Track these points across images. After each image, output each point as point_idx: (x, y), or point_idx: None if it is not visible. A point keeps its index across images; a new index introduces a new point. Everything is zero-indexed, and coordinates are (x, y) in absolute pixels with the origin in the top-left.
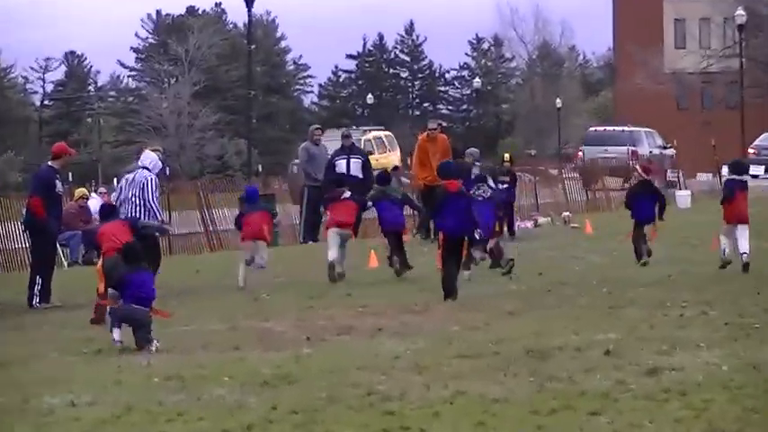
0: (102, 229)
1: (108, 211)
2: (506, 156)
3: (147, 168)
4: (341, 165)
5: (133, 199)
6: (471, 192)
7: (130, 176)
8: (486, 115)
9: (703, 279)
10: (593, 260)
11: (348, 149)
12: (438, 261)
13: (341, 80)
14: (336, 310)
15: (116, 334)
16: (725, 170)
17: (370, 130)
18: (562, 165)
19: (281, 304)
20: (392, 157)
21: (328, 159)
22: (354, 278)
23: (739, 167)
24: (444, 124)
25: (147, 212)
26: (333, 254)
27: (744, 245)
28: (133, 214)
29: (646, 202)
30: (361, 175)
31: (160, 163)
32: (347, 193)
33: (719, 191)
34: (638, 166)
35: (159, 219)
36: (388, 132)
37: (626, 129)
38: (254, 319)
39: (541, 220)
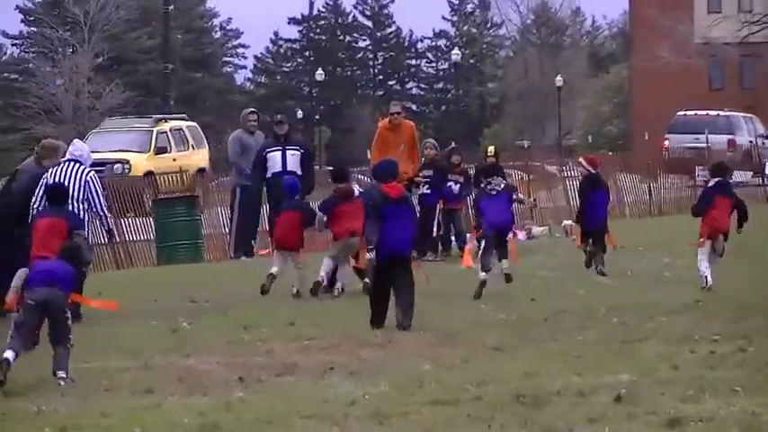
0: (38, 222)
1: (59, 196)
2: (490, 149)
3: (80, 162)
4: (274, 159)
5: (75, 203)
6: (482, 186)
7: (60, 170)
8: (468, 96)
9: (741, 306)
10: (601, 282)
11: (282, 138)
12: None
13: (282, 51)
14: (276, 344)
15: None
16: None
17: (165, 119)
18: (563, 160)
19: (207, 336)
20: (196, 157)
21: (257, 152)
22: (299, 302)
23: (721, 170)
24: (414, 107)
25: (92, 220)
26: (328, 266)
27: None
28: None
29: (599, 201)
30: (299, 171)
31: (90, 157)
32: (357, 191)
33: (764, 194)
34: (581, 159)
35: (108, 226)
36: (191, 123)
37: (722, 113)
38: (171, 354)
39: (536, 230)
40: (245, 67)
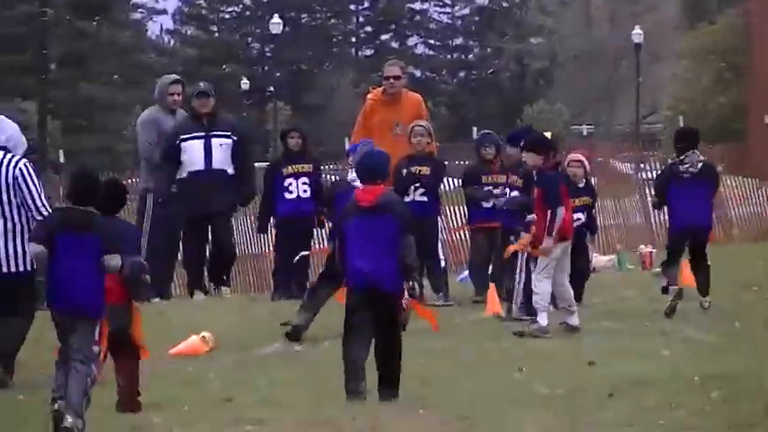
0: None
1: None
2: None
3: (5, 149)
4: (192, 150)
5: (5, 210)
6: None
7: None
8: (500, 58)
9: None
10: (697, 338)
11: (205, 120)
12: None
13: None
14: (204, 429)
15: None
16: None
17: None
18: (643, 154)
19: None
20: None
21: (166, 138)
22: (242, 361)
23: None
24: (418, 73)
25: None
26: None
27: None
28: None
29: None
30: (231, 169)
31: (24, 141)
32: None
33: None
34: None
35: None
36: None
37: None
38: None
39: (599, 259)
40: (164, 12)
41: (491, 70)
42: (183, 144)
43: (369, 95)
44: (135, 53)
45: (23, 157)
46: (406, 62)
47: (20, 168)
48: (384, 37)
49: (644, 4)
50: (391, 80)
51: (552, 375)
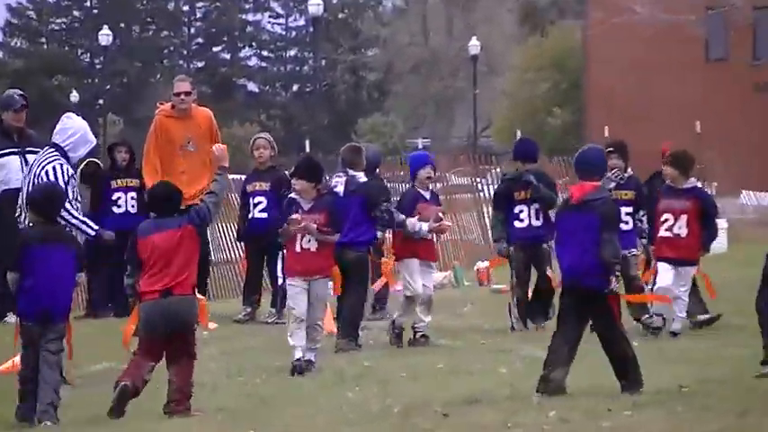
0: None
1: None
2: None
3: (59, 148)
4: (9, 166)
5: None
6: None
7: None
8: (335, 70)
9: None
10: (535, 356)
11: (17, 135)
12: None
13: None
14: None
15: None
16: None
17: None
18: (479, 168)
19: None
20: None
21: None
22: None
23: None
24: (251, 86)
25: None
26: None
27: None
28: None
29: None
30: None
31: (91, 138)
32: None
33: None
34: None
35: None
36: None
37: None
38: None
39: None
40: None
41: (325, 82)
42: None
43: (157, 111)
44: None
45: (87, 156)
46: (239, 74)
47: (46, 171)
48: (216, 49)
49: (481, 12)
50: (182, 96)
51: (386, 394)
